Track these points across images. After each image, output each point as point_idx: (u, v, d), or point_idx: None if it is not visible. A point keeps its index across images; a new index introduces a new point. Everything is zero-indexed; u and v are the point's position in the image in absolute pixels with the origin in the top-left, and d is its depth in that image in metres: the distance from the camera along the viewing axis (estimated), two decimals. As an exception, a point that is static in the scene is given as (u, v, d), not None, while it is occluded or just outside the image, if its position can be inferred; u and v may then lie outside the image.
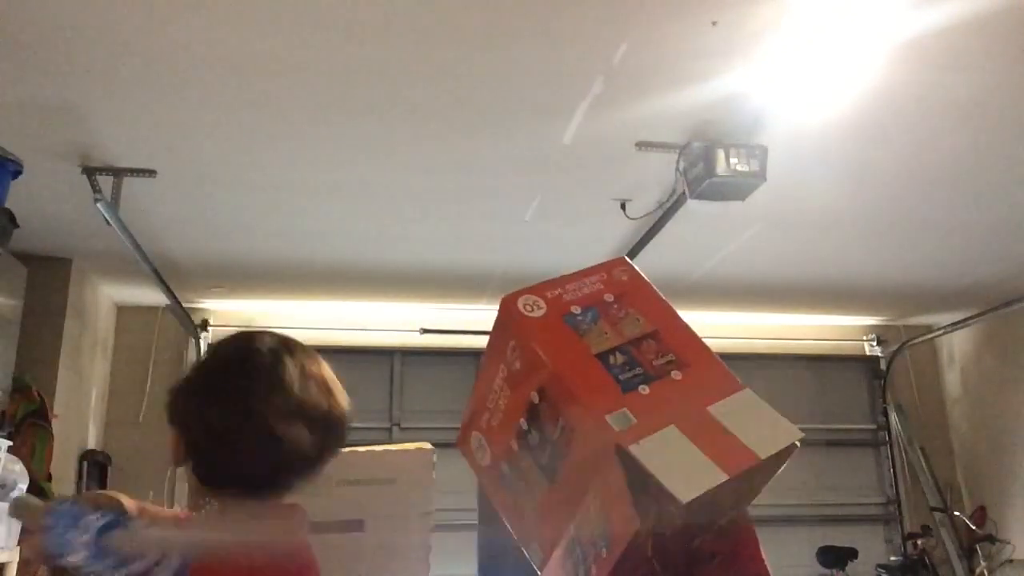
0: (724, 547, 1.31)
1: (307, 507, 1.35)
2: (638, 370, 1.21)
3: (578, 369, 1.19)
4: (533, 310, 1.25)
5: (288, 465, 1.14)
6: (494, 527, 1.37)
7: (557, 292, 1.29)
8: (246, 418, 1.11)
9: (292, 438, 1.11)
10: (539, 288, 1.29)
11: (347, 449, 1.44)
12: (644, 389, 1.18)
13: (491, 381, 1.28)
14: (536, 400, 1.20)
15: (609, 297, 1.32)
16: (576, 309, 1.27)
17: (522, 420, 1.22)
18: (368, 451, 1.50)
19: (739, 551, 1.31)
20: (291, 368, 1.15)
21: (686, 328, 1.33)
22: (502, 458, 1.28)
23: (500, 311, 1.27)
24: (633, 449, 1.07)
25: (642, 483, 1.06)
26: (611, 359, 1.21)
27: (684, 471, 1.07)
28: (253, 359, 1.16)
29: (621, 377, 1.19)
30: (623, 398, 1.15)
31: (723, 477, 1.08)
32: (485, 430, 1.31)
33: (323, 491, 1.42)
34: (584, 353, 1.21)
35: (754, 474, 1.18)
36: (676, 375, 1.23)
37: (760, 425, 1.19)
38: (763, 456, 1.14)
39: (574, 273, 1.34)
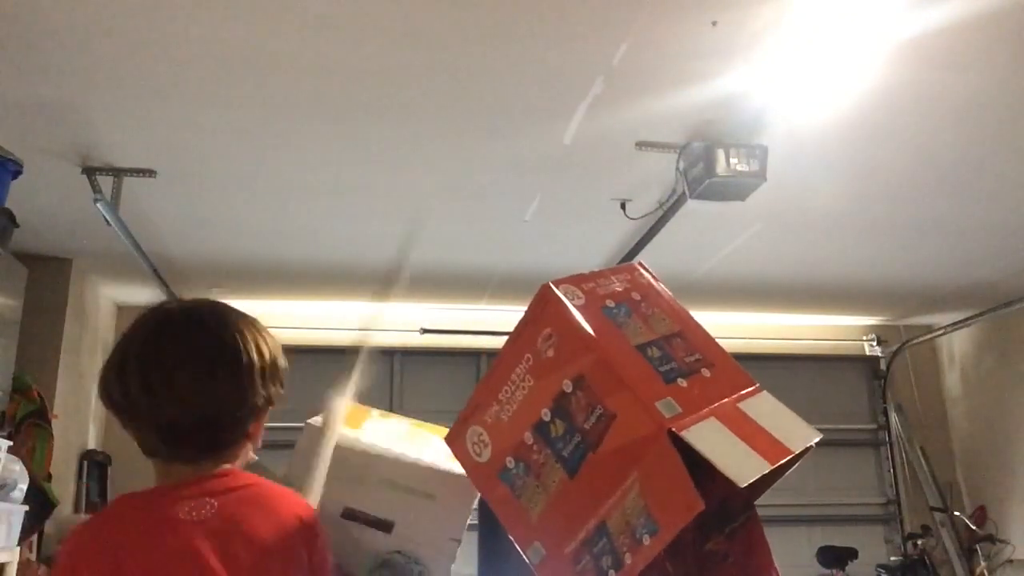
0: (736, 549, 1.33)
1: (345, 492, 1.36)
2: (673, 364, 1.24)
3: (624, 357, 1.20)
4: (574, 299, 1.26)
5: (180, 427, 1.09)
6: (495, 527, 1.37)
7: (591, 285, 1.31)
8: (127, 389, 1.10)
9: (175, 401, 1.08)
10: (575, 279, 1.31)
11: (399, 451, 1.44)
12: (682, 382, 1.21)
13: (509, 372, 1.28)
14: (568, 389, 1.20)
15: (637, 296, 1.35)
16: (611, 303, 1.30)
17: (545, 410, 1.23)
18: (416, 461, 1.48)
19: (751, 552, 1.33)
20: (170, 335, 1.12)
21: (704, 331, 1.38)
22: (508, 452, 1.27)
23: (538, 298, 1.27)
24: (685, 435, 1.09)
25: None
26: (648, 352, 1.24)
27: (733, 458, 1.10)
28: (133, 330, 1.15)
29: (660, 369, 1.22)
30: (666, 388, 1.18)
31: (767, 466, 1.12)
32: (490, 424, 1.30)
33: (364, 483, 1.43)
34: (626, 343, 1.23)
35: (769, 474, 1.20)
36: (706, 373, 1.27)
37: (786, 424, 1.24)
38: (796, 450, 1.19)
39: (598, 271, 1.37)
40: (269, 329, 1.21)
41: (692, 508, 1.06)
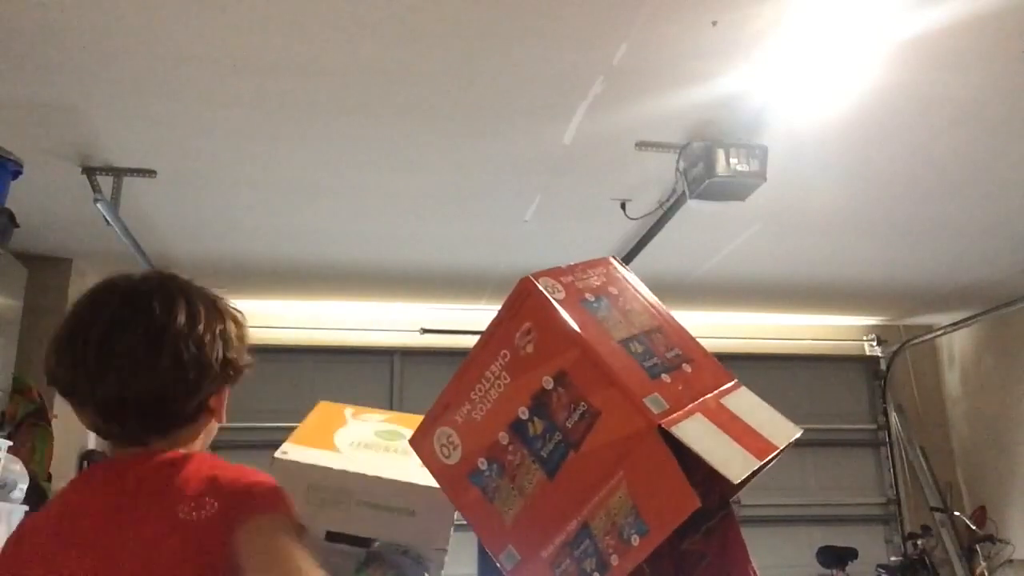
0: (713, 547, 1.31)
1: (325, 518, 1.33)
2: (656, 360, 1.20)
3: (608, 352, 1.15)
4: (554, 292, 1.20)
5: (121, 403, 1.05)
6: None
7: (569, 279, 1.26)
8: (74, 366, 1.07)
9: (122, 378, 1.05)
10: (553, 273, 1.25)
11: (373, 474, 1.41)
12: (666, 378, 1.18)
13: (483, 370, 1.23)
14: (549, 386, 1.15)
15: (614, 290, 1.31)
16: (590, 297, 1.25)
17: (522, 409, 1.17)
18: (393, 480, 1.43)
19: (727, 551, 1.31)
20: (120, 311, 1.08)
21: (681, 326, 1.35)
22: (481, 454, 1.22)
23: (516, 293, 1.21)
24: (675, 431, 1.06)
25: None
26: (631, 347, 1.20)
27: (723, 455, 1.07)
28: (77, 305, 1.11)
29: (645, 364, 1.18)
30: (652, 384, 1.14)
31: (756, 462, 1.10)
32: (460, 424, 1.25)
33: (343, 507, 1.39)
34: (609, 338, 1.19)
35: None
36: (687, 368, 1.24)
37: (768, 419, 1.22)
38: (780, 446, 1.17)
39: (574, 264, 1.32)
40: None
41: (686, 507, 1.03)
